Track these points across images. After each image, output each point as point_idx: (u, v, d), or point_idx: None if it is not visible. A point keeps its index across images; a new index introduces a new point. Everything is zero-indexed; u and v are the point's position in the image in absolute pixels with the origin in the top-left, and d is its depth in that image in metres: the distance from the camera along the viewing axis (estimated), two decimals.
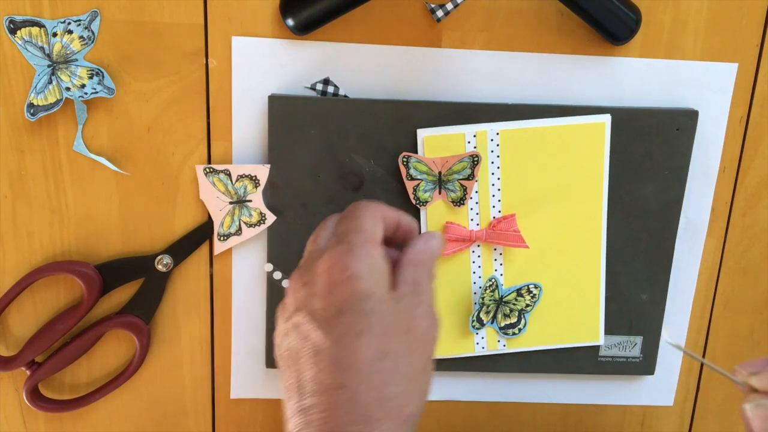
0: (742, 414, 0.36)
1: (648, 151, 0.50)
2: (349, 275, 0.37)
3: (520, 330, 0.53)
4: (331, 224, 0.41)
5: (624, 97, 0.50)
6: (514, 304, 0.52)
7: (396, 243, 0.41)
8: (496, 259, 0.51)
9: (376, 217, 0.39)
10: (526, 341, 0.53)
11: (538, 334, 0.53)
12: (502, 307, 0.52)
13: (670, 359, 0.56)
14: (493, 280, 0.52)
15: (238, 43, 0.48)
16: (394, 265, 0.39)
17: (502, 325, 0.53)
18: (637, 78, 0.50)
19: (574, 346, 0.54)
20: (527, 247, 0.50)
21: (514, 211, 0.51)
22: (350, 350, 0.35)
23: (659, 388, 0.57)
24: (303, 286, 0.38)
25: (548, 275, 0.52)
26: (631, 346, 0.54)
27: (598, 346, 0.54)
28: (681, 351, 0.43)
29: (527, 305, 0.52)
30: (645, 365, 0.55)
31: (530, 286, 0.52)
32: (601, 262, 0.52)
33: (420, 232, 0.41)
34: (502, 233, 0.50)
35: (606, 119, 0.49)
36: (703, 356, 0.56)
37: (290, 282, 0.39)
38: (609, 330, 0.54)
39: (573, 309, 0.53)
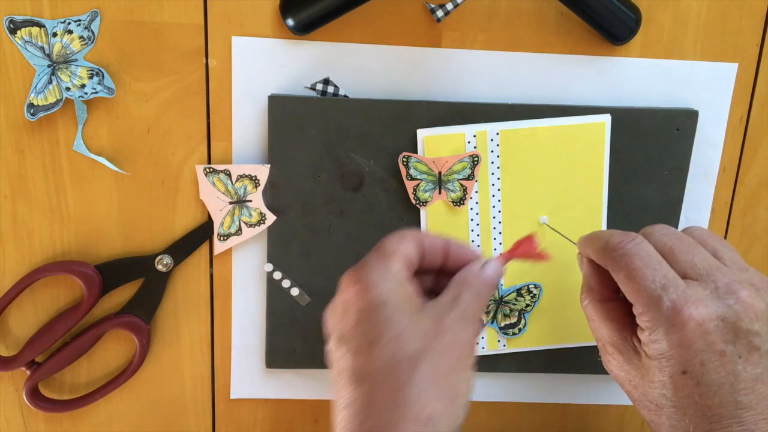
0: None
1: (648, 151, 0.50)
2: (360, 287, 0.37)
3: (520, 330, 0.53)
4: None
5: (624, 97, 0.50)
6: (514, 304, 0.52)
7: (452, 272, 0.40)
8: None
9: (403, 239, 0.39)
10: (526, 341, 0.53)
11: (538, 334, 0.53)
12: (501, 307, 0.52)
13: None
14: None
15: (238, 43, 0.48)
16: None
17: (502, 325, 0.53)
18: (637, 78, 0.50)
19: (574, 346, 0.54)
20: (549, 260, 0.45)
21: (512, 210, 0.51)
22: (365, 359, 0.36)
23: None
24: (330, 317, 0.39)
25: (548, 275, 0.52)
26: None
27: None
28: (553, 230, 0.49)
29: (527, 305, 0.52)
30: None
31: (530, 286, 0.52)
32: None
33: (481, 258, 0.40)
34: (525, 253, 0.45)
35: (606, 119, 0.49)
36: None
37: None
38: None
39: (573, 309, 0.53)
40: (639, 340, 0.39)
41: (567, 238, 0.47)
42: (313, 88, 0.49)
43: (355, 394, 0.36)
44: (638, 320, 0.39)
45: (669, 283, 0.37)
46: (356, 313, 0.37)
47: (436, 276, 0.42)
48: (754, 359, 0.36)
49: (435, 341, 0.37)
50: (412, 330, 0.37)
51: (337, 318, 0.38)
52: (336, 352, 0.38)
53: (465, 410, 0.37)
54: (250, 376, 0.54)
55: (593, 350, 0.54)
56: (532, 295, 0.52)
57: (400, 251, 0.39)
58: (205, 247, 0.51)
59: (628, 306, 0.40)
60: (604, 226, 0.51)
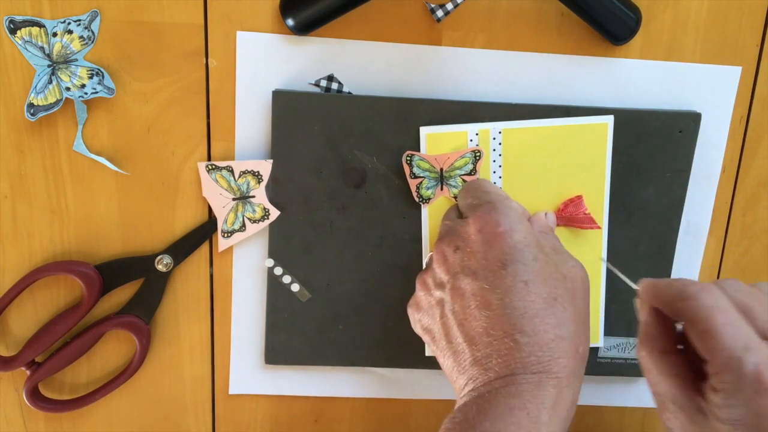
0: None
1: (650, 153, 0.50)
2: (503, 230, 0.40)
3: None
4: (455, 207, 0.47)
5: (626, 98, 0.50)
6: None
7: None
8: None
9: (491, 183, 0.44)
10: None
11: None
12: None
13: None
14: None
15: (243, 38, 0.48)
16: None
17: None
18: (640, 79, 0.50)
19: None
20: (599, 227, 0.50)
21: None
22: (522, 298, 0.39)
23: None
24: (455, 252, 0.41)
25: None
26: (630, 348, 0.54)
27: (598, 348, 0.54)
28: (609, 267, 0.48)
29: None
30: None
31: None
32: (601, 264, 0.52)
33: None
34: (572, 216, 0.50)
35: (609, 120, 0.49)
36: None
37: (437, 253, 0.43)
38: (608, 331, 0.53)
39: None
40: (704, 399, 0.36)
41: (626, 280, 0.44)
42: (317, 84, 0.49)
43: (518, 327, 0.38)
44: (712, 380, 0.36)
45: (751, 344, 0.34)
46: (502, 256, 0.40)
47: None
48: None
49: (566, 287, 0.40)
50: (551, 272, 0.40)
51: (472, 258, 0.41)
52: (472, 287, 0.40)
53: None
54: (248, 372, 0.54)
55: (592, 351, 0.54)
56: None
57: (509, 197, 0.43)
58: (204, 246, 0.51)
59: (692, 361, 0.37)
60: (605, 228, 0.51)
